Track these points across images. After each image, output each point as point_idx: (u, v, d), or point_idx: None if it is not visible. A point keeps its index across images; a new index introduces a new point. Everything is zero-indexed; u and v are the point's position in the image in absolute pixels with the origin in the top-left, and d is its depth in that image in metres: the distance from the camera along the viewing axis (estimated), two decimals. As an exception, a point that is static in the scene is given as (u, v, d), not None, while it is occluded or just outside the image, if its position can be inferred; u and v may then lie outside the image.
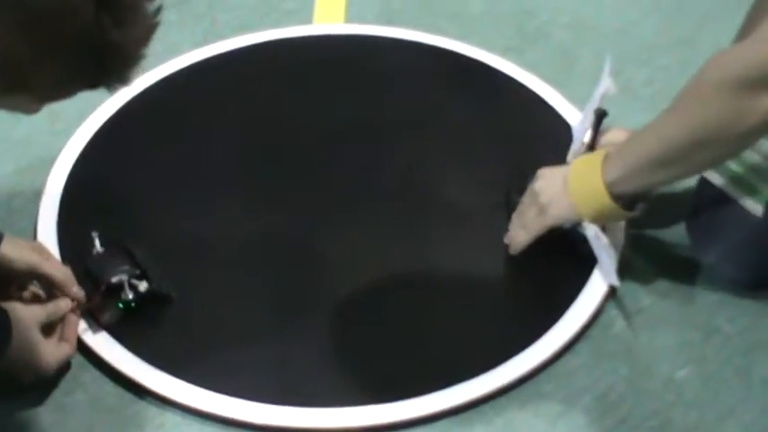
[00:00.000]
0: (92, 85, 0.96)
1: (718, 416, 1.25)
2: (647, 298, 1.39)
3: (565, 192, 1.34)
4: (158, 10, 0.95)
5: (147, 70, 1.71)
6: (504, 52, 1.81)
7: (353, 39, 1.83)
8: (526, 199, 1.40)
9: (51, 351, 1.22)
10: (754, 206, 1.33)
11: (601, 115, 1.42)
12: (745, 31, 1.43)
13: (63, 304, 1.26)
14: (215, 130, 1.63)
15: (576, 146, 1.45)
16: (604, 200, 1.30)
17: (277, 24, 1.86)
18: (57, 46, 0.89)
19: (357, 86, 1.73)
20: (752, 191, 1.34)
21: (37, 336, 1.20)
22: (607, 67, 1.43)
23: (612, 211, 1.32)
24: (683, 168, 1.28)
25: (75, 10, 0.87)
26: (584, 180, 1.33)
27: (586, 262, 1.40)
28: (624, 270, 1.40)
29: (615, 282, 1.36)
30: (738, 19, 1.45)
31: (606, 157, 1.31)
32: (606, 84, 1.42)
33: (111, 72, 0.94)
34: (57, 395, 1.25)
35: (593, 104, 1.42)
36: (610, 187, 1.30)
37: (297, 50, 1.80)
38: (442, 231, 1.46)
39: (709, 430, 1.23)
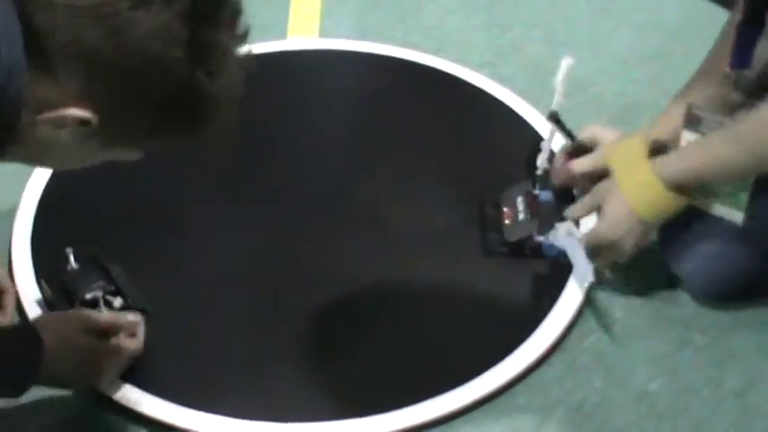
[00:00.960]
0: (191, 133, 0.96)
1: (690, 427, 1.26)
2: (620, 310, 1.40)
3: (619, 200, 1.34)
4: (248, 55, 0.94)
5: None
6: (479, 66, 1.82)
7: (327, 53, 1.83)
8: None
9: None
10: (733, 213, 1.35)
11: (554, 117, 1.44)
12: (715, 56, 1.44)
13: None
14: (189, 145, 1.62)
15: (543, 155, 1.47)
16: (657, 189, 1.31)
17: (251, 39, 1.86)
18: (154, 101, 0.89)
19: (331, 101, 1.74)
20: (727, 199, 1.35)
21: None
22: (563, 68, 1.44)
23: (667, 200, 1.32)
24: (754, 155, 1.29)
25: (170, 66, 0.87)
26: (633, 175, 1.33)
27: (560, 275, 1.41)
28: (597, 283, 1.41)
29: (590, 278, 1.37)
30: (709, 33, 1.47)
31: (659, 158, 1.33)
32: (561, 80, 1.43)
33: (209, 121, 0.94)
34: (22, 412, 1.23)
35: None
36: (662, 178, 1.31)
37: (271, 65, 1.80)
38: (417, 245, 1.47)
39: (682, 442, 1.25)
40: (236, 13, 0.91)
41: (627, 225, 1.33)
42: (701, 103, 1.36)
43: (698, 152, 1.33)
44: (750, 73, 1.35)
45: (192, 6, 0.86)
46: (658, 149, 1.38)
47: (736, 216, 1.34)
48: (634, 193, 1.33)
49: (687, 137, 1.36)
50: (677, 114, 1.39)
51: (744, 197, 1.33)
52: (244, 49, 0.93)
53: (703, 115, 1.34)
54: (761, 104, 1.28)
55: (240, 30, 0.91)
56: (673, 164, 1.32)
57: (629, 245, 1.34)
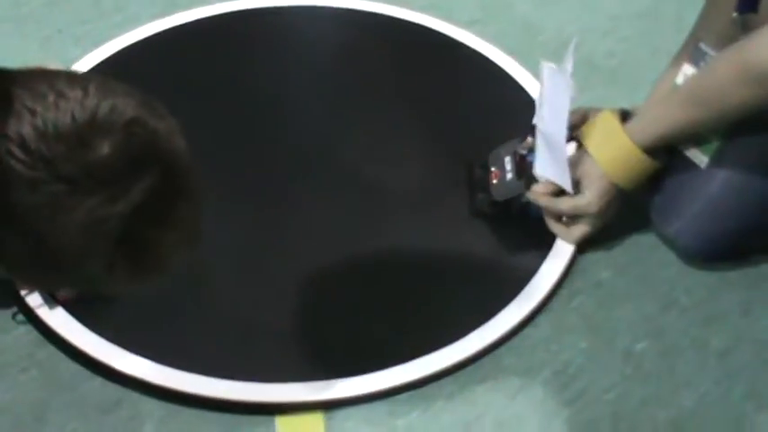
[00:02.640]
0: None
1: (674, 387, 1.26)
2: (607, 271, 1.39)
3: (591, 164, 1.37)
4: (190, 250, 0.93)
5: (105, 42, 1.70)
6: (468, 24, 1.80)
7: (315, 10, 1.81)
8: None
9: None
10: (699, 156, 1.37)
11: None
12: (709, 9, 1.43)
13: None
14: (173, 103, 1.60)
15: (538, 129, 1.44)
16: (631, 155, 1.34)
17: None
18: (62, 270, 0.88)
19: (318, 58, 1.71)
20: (699, 141, 1.37)
21: None
22: (572, 49, 1.42)
23: (639, 162, 1.35)
24: (714, 110, 1.30)
25: (90, 255, 0.85)
26: (606, 139, 1.37)
27: (548, 236, 1.40)
28: (583, 244, 1.40)
29: (570, 189, 1.37)
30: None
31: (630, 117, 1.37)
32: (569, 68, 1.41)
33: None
34: (11, 372, 1.23)
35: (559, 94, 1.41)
36: (632, 136, 1.34)
37: (257, 22, 1.78)
38: (403, 206, 1.46)
39: (666, 402, 1.24)
40: (186, 217, 0.90)
41: (607, 196, 1.36)
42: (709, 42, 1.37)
43: (662, 114, 1.34)
44: (757, 16, 1.32)
45: (138, 209, 0.83)
46: (623, 118, 1.39)
47: (702, 159, 1.36)
48: (610, 162, 1.35)
49: (688, 71, 1.35)
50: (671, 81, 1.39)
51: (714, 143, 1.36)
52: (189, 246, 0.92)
53: (709, 51, 1.34)
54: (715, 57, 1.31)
55: (186, 232, 0.91)
56: (640, 128, 1.34)
57: (609, 215, 1.38)
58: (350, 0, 1.83)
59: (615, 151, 1.36)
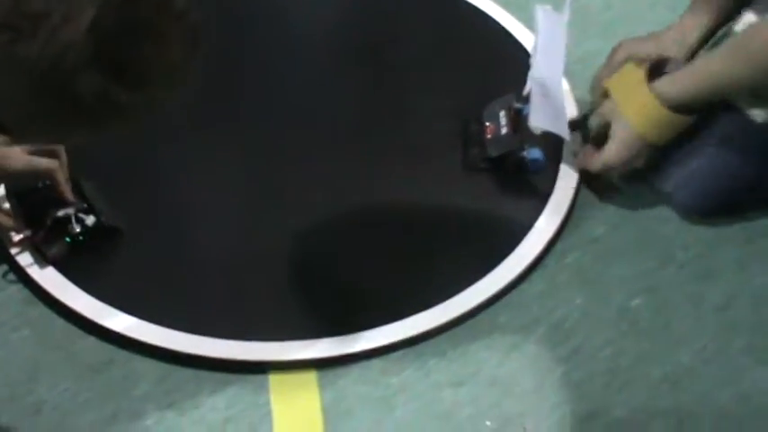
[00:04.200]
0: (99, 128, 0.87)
1: (670, 343, 1.25)
2: (602, 227, 1.38)
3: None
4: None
5: None
6: (461, -23, 1.77)
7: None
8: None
9: None
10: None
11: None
12: None
13: None
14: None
15: (533, 77, 1.42)
16: (658, 110, 1.32)
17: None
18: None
19: (313, 14, 1.69)
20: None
21: None
22: (568, 4, 1.40)
23: (664, 117, 1.33)
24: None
25: (74, 80, 0.77)
26: (631, 92, 1.36)
27: (542, 191, 1.39)
28: (578, 200, 1.39)
29: (567, 136, 1.36)
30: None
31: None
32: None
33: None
34: (3, 331, 1.23)
35: (553, 41, 1.39)
36: (662, 90, 1.32)
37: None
38: (398, 162, 1.44)
39: (662, 358, 1.24)
40: (171, 25, 0.81)
41: (635, 147, 1.35)
42: None
43: (695, 70, 1.32)
44: None
45: (97, 23, 0.76)
46: (658, 67, 1.36)
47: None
48: (636, 115, 1.33)
49: (751, 19, 1.34)
50: (691, 25, 1.36)
51: None
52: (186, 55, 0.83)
53: None
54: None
55: (176, 40, 0.82)
56: (671, 84, 1.32)
57: (636, 165, 1.37)
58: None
59: (640, 106, 1.34)
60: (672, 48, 1.42)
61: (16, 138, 0.85)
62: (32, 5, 0.75)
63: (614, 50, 1.46)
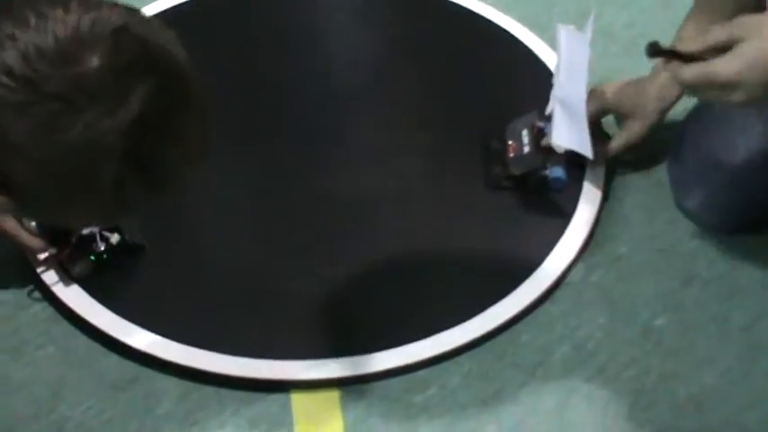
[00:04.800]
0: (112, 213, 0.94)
1: (695, 363, 1.24)
2: (626, 245, 1.37)
3: None
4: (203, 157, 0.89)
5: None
6: (484, -5, 1.77)
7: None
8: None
9: None
10: None
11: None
12: None
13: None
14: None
15: (555, 96, 1.42)
16: None
17: None
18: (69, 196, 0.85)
19: (332, 31, 1.70)
20: None
21: None
22: (591, 20, 1.39)
23: None
24: None
25: (96, 176, 0.82)
26: None
27: (565, 209, 1.38)
28: (602, 218, 1.38)
29: (590, 155, 1.35)
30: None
31: None
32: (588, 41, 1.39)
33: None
34: (28, 349, 1.23)
35: (577, 64, 1.39)
36: None
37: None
38: (420, 180, 1.44)
39: (687, 378, 1.23)
40: (192, 126, 0.86)
41: (765, 74, 1.05)
42: None
43: None
44: None
45: (138, 121, 0.80)
46: None
47: None
48: None
49: None
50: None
51: None
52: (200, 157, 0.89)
53: None
54: None
55: (194, 141, 0.87)
56: None
57: (744, 98, 1.07)
58: (363, -29, 1.81)
59: None
60: (653, 103, 1.41)
61: (16, 202, 0.87)
62: (92, 85, 0.79)
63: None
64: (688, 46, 1.10)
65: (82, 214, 0.89)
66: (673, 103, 1.41)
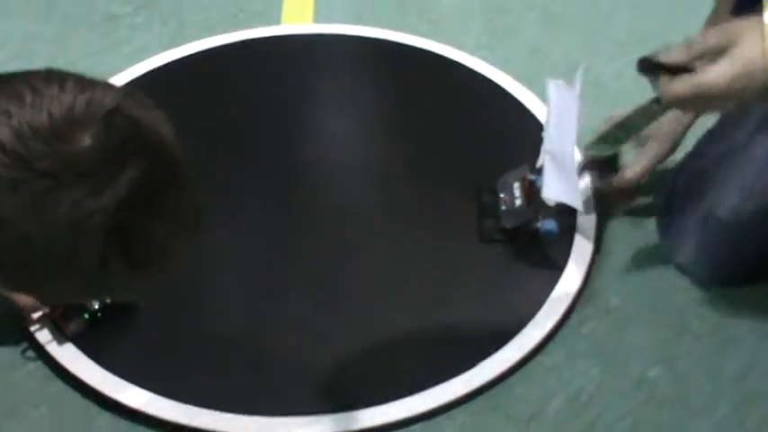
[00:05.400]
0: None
1: (689, 414, 1.24)
2: (618, 297, 1.38)
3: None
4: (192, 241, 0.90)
5: (114, 74, 1.70)
6: (475, 50, 1.80)
7: (322, 38, 1.81)
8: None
9: None
10: None
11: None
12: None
13: None
14: (183, 133, 1.60)
15: (546, 149, 1.43)
16: None
17: (245, 25, 1.85)
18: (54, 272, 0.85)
19: (325, 84, 1.72)
20: None
21: None
22: (580, 73, 1.41)
23: None
24: None
25: (80, 254, 0.82)
26: None
27: (557, 262, 1.39)
28: (593, 269, 1.39)
29: (580, 207, 1.36)
30: (706, 13, 1.45)
31: None
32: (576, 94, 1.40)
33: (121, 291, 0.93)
34: (22, 409, 1.23)
35: (566, 118, 1.40)
36: None
37: (266, 51, 1.78)
38: (412, 232, 1.45)
39: (682, 429, 1.23)
40: (179, 205, 0.87)
41: (756, 75, 1.03)
42: None
43: None
44: None
45: (125, 202, 0.81)
46: None
47: None
48: None
49: None
50: None
51: None
52: (188, 237, 0.89)
53: None
54: None
55: (181, 221, 0.88)
56: None
57: (731, 103, 1.07)
58: (356, 27, 1.83)
59: None
60: (669, 124, 1.42)
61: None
62: (82, 165, 0.80)
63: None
64: (674, 57, 1.09)
65: (65, 291, 0.89)
66: (688, 125, 1.42)
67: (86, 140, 0.81)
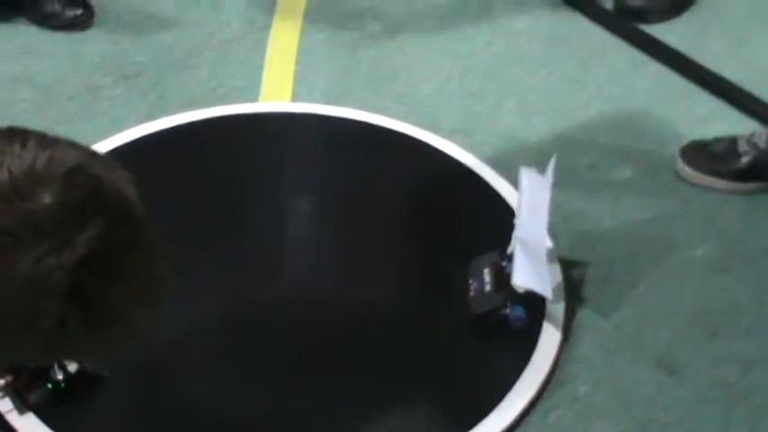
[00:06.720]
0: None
1: (653, 508, 1.24)
2: (584, 386, 1.38)
3: None
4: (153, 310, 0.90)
5: (92, 144, 1.70)
6: (450, 134, 1.82)
7: (299, 117, 1.83)
8: None
9: None
10: None
11: None
12: None
13: None
14: (156, 206, 1.60)
15: (517, 236, 1.44)
16: None
17: (224, 101, 1.86)
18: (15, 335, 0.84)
19: (299, 164, 1.73)
20: None
21: None
22: (552, 164, 1.43)
23: None
24: None
25: (39, 314, 0.82)
26: None
27: (525, 349, 1.39)
28: (561, 357, 1.39)
29: (549, 295, 1.36)
30: (681, 106, 1.47)
31: None
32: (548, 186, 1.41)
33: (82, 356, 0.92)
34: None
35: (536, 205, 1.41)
36: None
37: (241, 127, 1.80)
38: (380, 317, 1.45)
39: None
40: (142, 267, 0.87)
41: None
42: None
43: None
44: None
45: (84, 260, 0.81)
46: None
47: None
48: None
49: None
50: None
51: None
52: (151, 301, 0.89)
53: None
54: None
55: (143, 284, 0.87)
56: None
57: None
58: (332, 108, 1.85)
59: None
60: None
61: None
62: (42, 223, 0.80)
63: None
64: None
65: (24, 351, 0.88)
66: None
67: (46, 198, 0.81)
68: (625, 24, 2.13)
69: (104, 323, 0.86)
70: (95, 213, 0.82)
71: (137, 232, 0.87)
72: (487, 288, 1.42)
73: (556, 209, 1.46)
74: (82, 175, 0.83)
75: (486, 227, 1.59)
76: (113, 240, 0.83)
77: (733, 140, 1.70)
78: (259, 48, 2.03)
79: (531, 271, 1.37)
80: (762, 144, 1.66)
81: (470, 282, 1.45)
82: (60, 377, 1.27)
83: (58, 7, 2.03)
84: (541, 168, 1.45)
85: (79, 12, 2.04)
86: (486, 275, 1.43)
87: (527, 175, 1.44)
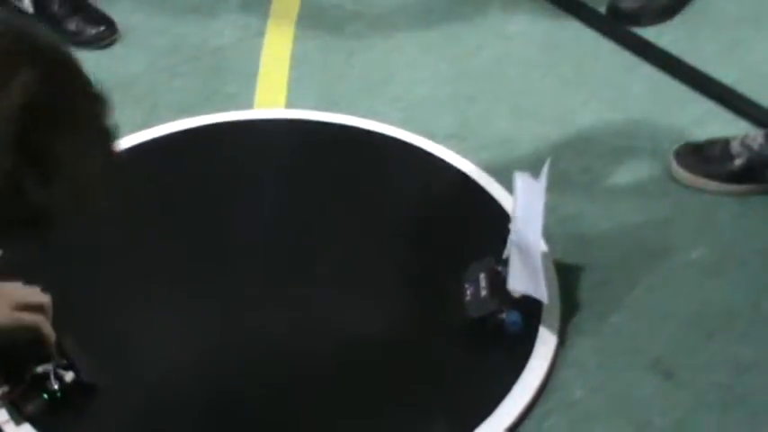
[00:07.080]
0: (27, 236, 0.89)
1: None
2: (580, 391, 1.38)
3: None
4: (110, 159, 0.88)
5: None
6: (444, 139, 1.82)
7: (294, 123, 1.83)
8: None
9: None
10: None
11: None
12: None
13: None
14: (150, 215, 1.61)
15: (512, 240, 1.44)
16: None
17: (219, 108, 1.86)
18: None
19: (293, 170, 1.73)
20: None
21: None
22: (546, 168, 1.43)
23: None
24: None
25: None
26: None
27: (521, 354, 1.39)
28: (557, 362, 1.39)
29: (545, 299, 1.35)
30: (676, 111, 1.47)
31: None
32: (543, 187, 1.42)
33: (47, 225, 0.87)
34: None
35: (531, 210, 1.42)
36: None
37: (236, 134, 1.80)
38: (376, 323, 1.45)
39: None
40: (88, 116, 0.86)
41: None
42: None
43: None
44: None
45: (27, 107, 0.80)
46: None
47: None
48: None
49: None
50: None
51: None
52: (103, 153, 0.87)
53: None
54: None
55: (92, 134, 0.86)
56: None
57: None
58: (327, 114, 1.85)
59: None
60: None
61: None
62: None
63: None
64: None
65: None
66: None
67: None
68: (618, 27, 2.13)
69: (56, 176, 0.83)
70: (26, 60, 0.81)
71: (76, 79, 0.86)
72: (483, 293, 1.42)
73: (550, 213, 1.46)
74: (5, 26, 0.83)
75: (481, 232, 1.59)
76: (52, 87, 0.82)
77: (726, 142, 1.70)
78: (253, 54, 2.03)
79: (526, 275, 1.37)
80: (755, 146, 1.66)
81: (466, 286, 1.45)
82: (56, 387, 1.27)
83: (81, 25, 2.03)
84: (536, 172, 1.45)
85: (102, 28, 2.05)
86: (482, 280, 1.44)
87: (521, 180, 1.44)
